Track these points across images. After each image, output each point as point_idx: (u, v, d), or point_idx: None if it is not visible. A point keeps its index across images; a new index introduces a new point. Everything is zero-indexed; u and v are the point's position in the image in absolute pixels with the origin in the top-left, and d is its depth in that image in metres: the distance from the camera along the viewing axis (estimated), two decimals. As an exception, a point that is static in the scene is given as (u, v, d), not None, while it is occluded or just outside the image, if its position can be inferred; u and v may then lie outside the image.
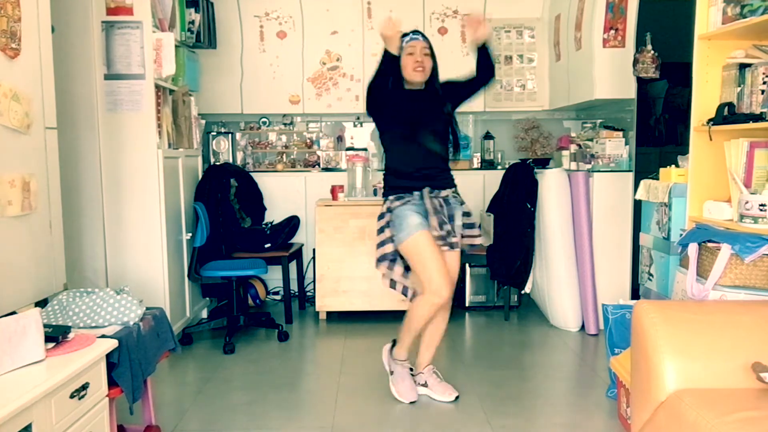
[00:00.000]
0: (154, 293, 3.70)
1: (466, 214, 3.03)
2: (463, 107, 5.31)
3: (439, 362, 3.66)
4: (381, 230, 2.95)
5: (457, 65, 5.16)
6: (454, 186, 3.01)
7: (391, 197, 2.92)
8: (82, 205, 3.64)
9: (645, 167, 3.89)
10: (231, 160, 5.11)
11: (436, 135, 2.96)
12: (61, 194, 2.68)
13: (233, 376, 3.39)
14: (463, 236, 3.01)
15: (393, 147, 2.99)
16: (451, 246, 2.90)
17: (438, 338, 3.08)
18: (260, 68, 5.17)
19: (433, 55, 3.01)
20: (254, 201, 4.84)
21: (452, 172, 3.03)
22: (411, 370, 3.09)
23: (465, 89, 3.07)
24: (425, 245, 2.80)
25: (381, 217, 2.95)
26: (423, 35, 3.00)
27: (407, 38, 2.95)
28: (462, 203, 3.02)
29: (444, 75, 5.36)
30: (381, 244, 2.94)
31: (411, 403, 2.96)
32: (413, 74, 2.93)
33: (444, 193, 2.94)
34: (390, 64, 2.88)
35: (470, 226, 3.05)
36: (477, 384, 3.22)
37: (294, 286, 4.87)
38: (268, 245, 4.48)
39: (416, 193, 2.88)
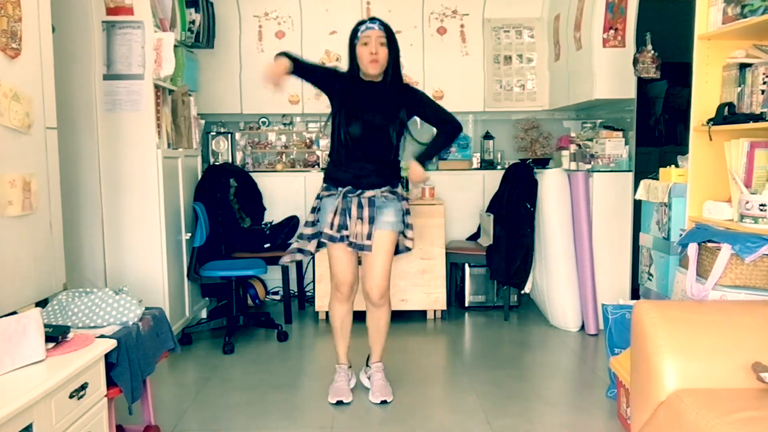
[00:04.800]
0: (154, 293, 3.70)
1: (407, 212, 2.98)
2: (463, 107, 5.32)
3: (439, 362, 3.67)
4: (312, 210, 3.02)
5: (457, 65, 5.20)
6: (388, 185, 2.91)
7: (324, 185, 2.99)
8: (81, 205, 3.64)
9: (645, 167, 3.89)
10: (230, 160, 5.11)
11: (377, 135, 2.86)
12: (61, 194, 2.68)
13: (233, 376, 3.39)
14: (408, 237, 3.00)
15: (334, 137, 2.95)
16: (361, 248, 2.88)
17: (380, 334, 3.06)
18: (259, 68, 5.12)
19: (392, 45, 2.82)
20: (254, 201, 4.84)
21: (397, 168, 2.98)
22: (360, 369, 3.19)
23: (430, 120, 3.00)
24: (329, 243, 2.92)
25: (316, 197, 3.02)
26: (381, 22, 2.82)
27: (363, 27, 2.80)
28: (401, 199, 2.95)
29: (444, 75, 5.30)
30: (305, 224, 3.03)
31: (336, 403, 2.97)
32: (368, 66, 2.79)
33: (369, 193, 2.88)
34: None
35: (407, 225, 3.00)
36: (477, 384, 3.22)
37: (293, 286, 4.87)
38: (267, 245, 4.48)
39: (340, 189, 2.90)
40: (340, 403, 2.97)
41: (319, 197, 2.99)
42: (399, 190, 2.97)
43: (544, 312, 4.39)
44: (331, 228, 2.88)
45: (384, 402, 2.97)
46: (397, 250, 3.04)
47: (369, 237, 2.86)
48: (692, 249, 2.63)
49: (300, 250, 3.03)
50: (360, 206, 2.87)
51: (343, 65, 5.09)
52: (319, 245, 3.02)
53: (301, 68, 2.85)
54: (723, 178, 2.74)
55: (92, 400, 1.97)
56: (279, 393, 3.13)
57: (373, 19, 2.83)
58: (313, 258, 4.57)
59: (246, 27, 5.14)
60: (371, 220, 2.87)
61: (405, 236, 3.01)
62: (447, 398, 3.10)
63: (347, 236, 2.88)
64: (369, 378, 3.11)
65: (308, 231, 3.01)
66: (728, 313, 2.11)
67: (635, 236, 3.78)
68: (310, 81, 3.00)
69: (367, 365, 3.18)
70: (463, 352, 3.82)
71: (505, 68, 5.26)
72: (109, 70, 3.61)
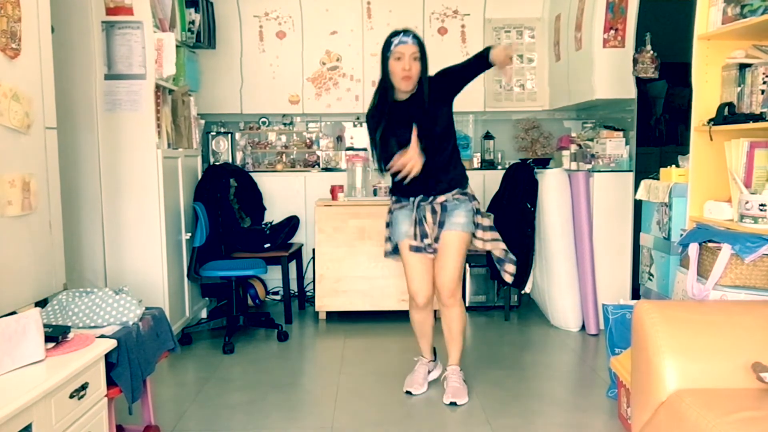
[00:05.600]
0: (154, 293, 3.70)
1: (477, 212, 2.98)
2: (463, 107, 5.33)
3: (439, 362, 3.66)
4: (386, 226, 3.10)
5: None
6: (458, 187, 2.94)
7: (393, 198, 3.05)
8: (81, 205, 3.64)
9: (645, 167, 3.89)
10: (230, 160, 5.11)
11: (429, 146, 2.85)
12: (61, 194, 2.68)
13: (233, 376, 3.39)
14: (478, 237, 3.01)
15: (392, 155, 2.95)
16: (433, 251, 2.94)
17: (453, 336, 3.10)
18: (260, 68, 5.17)
19: (423, 57, 2.82)
20: (254, 201, 4.84)
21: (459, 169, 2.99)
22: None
23: (467, 70, 2.89)
24: (406, 253, 2.97)
25: (388, 212, 3.09)
26: (414, 35, 2.81)
27: (396, 40, 2.78)
28: (471, 199, 2.97)
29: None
30: (385, 240, 3.11)
31: (411, 393, 3.05)
32: (400, 83, 2.80)
33: (441, 198, 2.91)
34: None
35: (485, 228, 2.99)
36: (477, 384, 3.21)
37: (293, 286, 4.87)
38: (267, 245, 4.48)
39: (412, 199, 2.94)
40: (408, 393, 3.04)
41: (390, 211, 3.04)
42: (469, 190, 3.00)
43: (544, 312, 4.39)
44: (416, 238, 2.92)
45: (453, 404, 2.96)
46: (501, 261, 3.07)
47: (437, 240, 2.92)
48: (693, 249, 2.63)
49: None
50: (434, 212, 2.92)
51: (345, 67, 5.15)
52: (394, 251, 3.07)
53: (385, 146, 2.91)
54: (723, 178, 2.73)
55: (92, 400, 1.97)
56: (279, 393, 3.13)
57: (406, 32, 2.81)
58: (314, 258, 4.58)
59: (246, 27, 5.14)
60: (441, 224, 2.91)
61: (475, 236, 3.00)
62: (447, 398, 3.10)
63: (430, 244, 2.92)
64: (444, 378, 3.11)
65: (389, 246, 3.07)
66: (728, 313, 2.11)
67: (636, 236, 3.78)
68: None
69: (438, 364, 3.24)
70: (464, 352, 3.81)
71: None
72: (110, 70, 3.61)
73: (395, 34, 2.82)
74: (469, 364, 3.54)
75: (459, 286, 3.02)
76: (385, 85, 2.87)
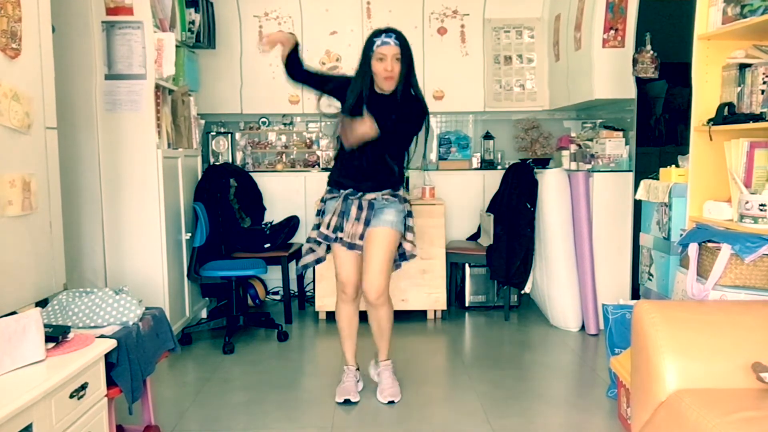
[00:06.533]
0: (154, 293, 3.70)
1: (409, 214, 2.99)
2: (463, 107, 5.32)
3: (440, 362, 3.67)
4: (317, 214, 3.06)
5: (457, 65, 5.20)
6: (389, 188, 2.91)
7: (327, 188, 3.03)
8: (81, 205, 3.64)
9: (645, 167, 3.89)
10: (230, 160, 5.11)
11: (378, 142, 2.78)
12: (61, 194, 2.68)
13: (233, 376, 3.39)
14: (408, 240, 3.02)
15: (340, 142, 2.90)
16: (352, 246, 2.88)
17: (382, 334, 3.05)
18: (260, 68, 5.17)
19: (406, 58, 2.76)
20: (254, 201, 4.84)
21: (400, 174, 2.97)
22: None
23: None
24: (337, 247, 2.94)
25: (321, 200, 3.06)
26: (397, 35, 2.74)
27: (378, 41, 2.73)
28: (403, 201, 2.96)
29: (444, 75, 5.29)
30: (314, 228, 3.05)
31: (343, 402, 2.97)
32: (383, 83, 2.78)
33: (370, 196, 2.89)
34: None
35: (407, 228, 3.00)
36: (477, 384, 3.22)
37: (293, 286, 4.87)
38: (267, 245, 4.48)
39: (343, 191, 2.93)
40: (347, 401, 2.97)
41: (323, 200, 3.03)
42: (401, 192, 2.98)
43: (544, 312, 4.39)
44: (327, 228, 2.92)
45: (391, 402, 2.97)
46: (404, 257, 3.07)
47: (361, 237, 2.89)
48: (693, 249, 2.63)
49: (317, 260, 3.10)
50: (360, 208, 2.90)
51: (345, 67, 5.14)
52: (329, 248, 3.05)
53: (305, 73, 2.93)
54: (723, 178, 2.74)
55: (92, 400, 1.97)
56: (279, 393, 3.13)
57: (389, 33, 2.74)
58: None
59: (246, 27, 5.14)
60: (367, 222, 2.90)
61: (405, 239, 3.01)
62: (447, 398, 3.10)
63: (341, 238, 2.91)
64: (378, 374, 3.12)
65: (313, 234, 3.04)
66: (728, 313, 2.11)
67: (635, 236, 3.78)
68: (323, 91, 2.97)
69: (375, 362, 3.18)
70: (463, 352, 3.82)
71: (505, 68, 5.26)
72: (111, 70, 3.61)
73: (378, 33, 2.76)
74: (469, 364, 3.54)
75: (386, 285, 2.93)
76: (367, 78, 2.81)
